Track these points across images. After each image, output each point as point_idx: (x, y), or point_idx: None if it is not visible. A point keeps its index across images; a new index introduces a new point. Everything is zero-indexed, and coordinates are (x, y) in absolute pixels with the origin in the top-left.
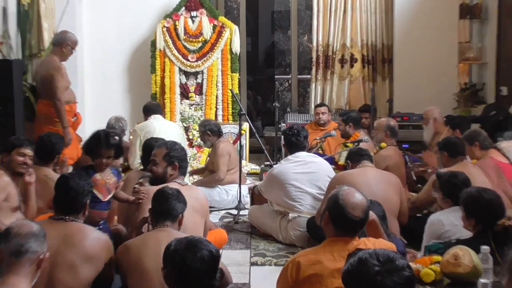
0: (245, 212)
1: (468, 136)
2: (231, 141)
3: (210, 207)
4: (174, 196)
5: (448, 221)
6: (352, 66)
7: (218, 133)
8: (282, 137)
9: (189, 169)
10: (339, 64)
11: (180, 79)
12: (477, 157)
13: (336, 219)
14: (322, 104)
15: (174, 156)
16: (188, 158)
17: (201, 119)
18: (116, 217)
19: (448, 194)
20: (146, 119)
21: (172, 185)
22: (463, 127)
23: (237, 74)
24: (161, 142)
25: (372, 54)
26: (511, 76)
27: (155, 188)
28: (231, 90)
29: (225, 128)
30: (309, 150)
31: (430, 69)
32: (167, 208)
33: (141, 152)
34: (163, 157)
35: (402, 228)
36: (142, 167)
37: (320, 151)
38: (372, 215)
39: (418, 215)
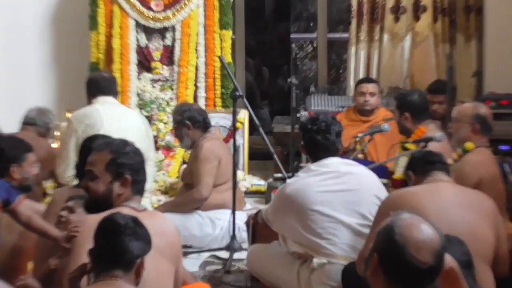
0: (242, 255)
1: None
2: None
3: (185, 246)
4: (128, 229)
5: None
6: (417, 18)
7: (204, 125)
8: (301, 133)
9: (152, 185)
10: (391, 15)
11: (137, 40)
12: None
13: (391, 266)
14: (369, 80)
15: (124, 164)
16: (149, 166)
17: (172, 103)
18: (30, 264)
19: None
20: (89, 102)
21: (123, 210)
22: None
23: (230, 33)
24: (102, 142)
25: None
26: None
27: (95, 217)
28: (220, 57)
29: (211, 119)
30: (344, 154)
31: None
32: (117, 249)
33: (76, 157)
34: (105, 167)
35: (500, 282)
36: (77, 182)
37: (362, 156)
38: (449, 260)
39: None
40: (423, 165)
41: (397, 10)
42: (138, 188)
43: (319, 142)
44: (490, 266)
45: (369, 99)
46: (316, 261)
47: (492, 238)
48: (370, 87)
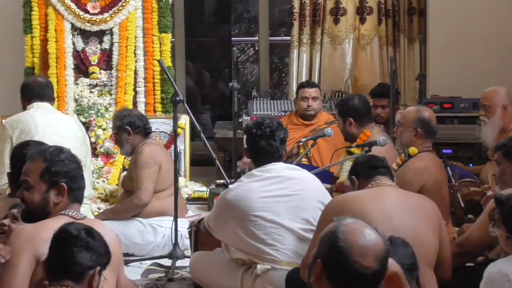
0: (185, 262)
1: None
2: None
3: (127, 254)
4: (79, 240)
5: None
6: (363, 20)
7: (144, 131)
8: (245, 138)
9: (91, 193)
10: (331, 17)
11: (73, 44)
12: None
13: (334, 272)
14: (311, 84)
15: (58, 172)
16: (87, 173)
17: (111, 109)
18: None
19: None
20: (24, 108)
21: (60, 219)
22: None
23: (170, 36)
24: (36, 151)
25: (393, 1)
26: None
27: (32, 226)
28: (159, 61)
29: (151, 125)
30: (287, 159)
31: (488, 24)
32: (66, 260)
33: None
34: (39, 176)
35: (443, 286)
36: (11, 191)
37: (306, 161)
38: (393, 265)
39: (469, 264)
40: (367, 170)
41: (336, 12)
42: (75, 195)
43: (262, 147)
44: (433, 270)
45: (312, 104)
46: (259, 267)
47: (435, 242)
48: (313, 92)
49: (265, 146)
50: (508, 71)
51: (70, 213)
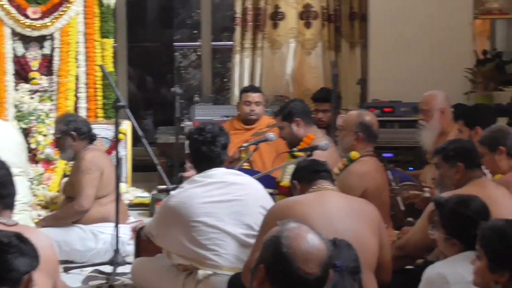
0: (126, 268)
1: (488, 137)
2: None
3: (66, 261)
4: (12, 247)
5: (455, 275)
6: (308, 25)
7: (89, 137)
8: (187, 143)
9: (31, 199)
10: (270, 22)
11: (14, 49)
12: (502, 170)
13: (278, 277)
14: (254, 89)
15: None
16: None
17: (51, 115)
18: None
19: (454, 232)
20: None
21: None
22: (486, 123)
23: (112, 41)
24: None
25: (335, 6)
26: None
27: None
28: (101, 67)
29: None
30: (229, 164)
31: (428, 29)
32: (1, 268)
33: None
34: None
35: None
36: None
37: (247, 166)
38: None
39: (408, 267)
40: (308, 174)
41: (275, 17)
42: (6, 202)
43: (204, 153)
44: (373, 273)
45: (255, 108)
46: (201, 272)
47: (376, 245)
48: (256, 97)
49: (206, 152)
50: (447, 76)
51: (1, 220)
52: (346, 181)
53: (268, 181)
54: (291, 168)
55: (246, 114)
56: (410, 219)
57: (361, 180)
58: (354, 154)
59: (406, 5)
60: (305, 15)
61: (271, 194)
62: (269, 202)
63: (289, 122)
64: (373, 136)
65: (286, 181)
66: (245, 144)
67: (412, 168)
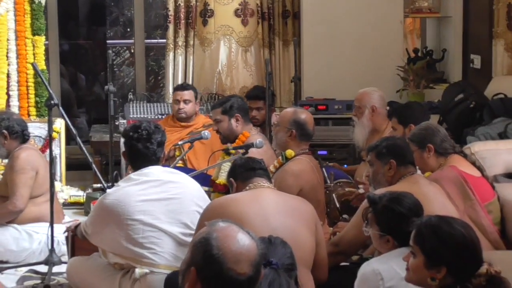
0: (62, 268)
1: (417, 135)
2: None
3: (1, 261)
4: None
5: (389, 272)
6: (245, 23)
7: (22, 137)
8: (122, 141)
9: None
10: (200, 19)
11: None
12: (431, 167)
13: (209, 280)
14: (183, 87)
15: None
16: None
17: None
18: None
19: (388, 229)
20: None
21: None
22: (419, 121)
23: (43, 38)
24: None
25: (268, 4)
26: (486, 38)
27: None
28: (33, 64)
29: None
30: (166, 162)
31: (359, 27)
32: None
33: None
34: None
35: (320, 287)
36: None
37: (181, 164)
38: None
39: (343, 264)
40: (245, 172)
41: (205, 14)
42: None
43: (140, 150)
44: (310, 270)
45: (184, 106)
46: (138, 271)
47: (312, 243)
48: (184, 95)
49: (142, 149)
50: (379, 73)
51: None
52: (282, 180)
53: (203, 179)
54: (227, 166)
55: (175, 112)
56: (345, 216)
57: (297, 179)
58: (289, 152)
59: (338, 4)
60: (242, 12)
61: (206, 192)
62: (205, 201)
63: (229, 117)
64: (306, 134)
65: (221, 178)
66: (180, 142)
67: (347, 165)
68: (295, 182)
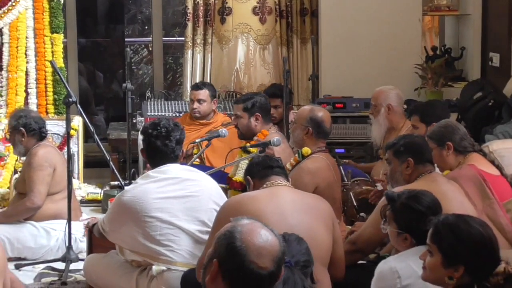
0: (79, 265)
1: (437, 133)
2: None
3: (18, 259)
4: None
5: (407, 270)
6: (263, 21)
7: (39, 135)
8: (141, 139)
9: None
10: (218, 17)
11: None
12: (450, 165)
13: (230, 272)
14: (198, 86)
15: None
16: None
17: (1, 110)
18: None
19: (406, 226)
20: None
21: None
22: (442, 118)
23: (62, 36)
24: None
25: (286, 2)
26: (505, 35)
27: None
28: (51, 62)
29: None
30: (184, 160)
31: (378, 25)
32: None
33: None
34: None
35: (337, 285)
36: None
37: (197, 162)
38: None
39: (361, 262)
40: (262, 170)
41: (223, 12)
42: None
43: (158, 148)
44: (327, 268)
45: (197, 106)
46: (155, 268)
47: (329, 240)
48: (198, 94)
49: (160, 147)
50: (397, 72)
51: None
52: (298, 178)
53: (221, 177)
54: (244, 163)
55: (191, 111)
56: (362, 214)
57: (313, 177)
58: (306, 150)
59: (356, 2)
60: (260, 10)
61: (223, 189)
62: (222, 198)
63: (249, 115)
64: (323, 132)
65: (239, 176)
66: (197, 140)
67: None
68: (311, 180)
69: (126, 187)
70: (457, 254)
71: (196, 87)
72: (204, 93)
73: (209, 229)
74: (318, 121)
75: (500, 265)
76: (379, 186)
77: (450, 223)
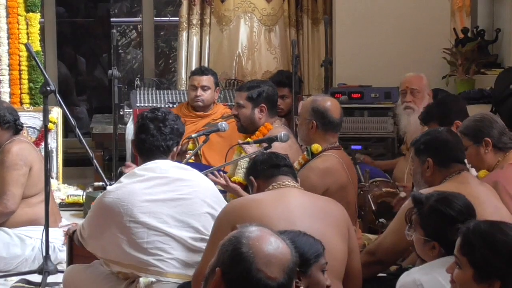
0: (58, 278)
1: (472, 128)
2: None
3: None
4: None
5: (433, 283)
6: None
7: (15, 128)
8: (130, 128)
9: None
10: None
11: None
12: (488, 164)
13: (235, 281)
14: (202, 71)
15: None
16: None
17: None
18: None
19: (434, 233)
20: None
21: None
22: (461, 114)
23: (38, 16)
24: None
25: None
26: None
27: None
28: (26, 45)
29: None
30: (177, 157)
31: (400, 3)
32: None
33: None
34: None
35: None
36: None
37: (193, 159)
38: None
39: (381, 275)
40: (267, 169)
41: None
42: None
43: (149, 132)
44: (341, 282)
45: (201, 93)
46: (142, 280)
47: (343, 250)
48: (202, 80)
49: (152, 130)
50: (422, 57)
51: None
52: (305, 179)
53: None
54: (245, 162)
55: (191, 100)
56: (382, 220)
57: (322, 178)
58: (315, 147)
59: None
60: None
61: (222, 191)
62: (219, 202)
63: (254, 105)
64: (330, 124)
65: (238, 176)
66: (193, 135)
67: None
68: (320, 181)
69: (108, 187)
70: (492, 267)
71: (199, 72)
72: (208, 79)
73: (203, 236)
74: (321, 111)
75: None
76: (402, 193)
77: (482, 231)
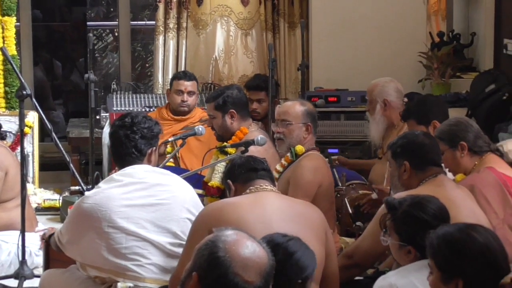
0: (35, 282)
1: (447, 132)
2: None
3: None
4: None
5: (409, 287)
6: (245, 3)
7: None
8: (109, 135)
9: None
10: None
11: None
12: (464, 168)
13: (212, 286)
14: (188, 76)
15: None
16: None
17: None
18: None
19: (409, 238)
20: None
21: None
22: (441, 115)
23: (14, 19)
24: None
25: None
26: None
27: None
28: (2, 49)
29: None
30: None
31: (377, 8)
32: None
33: None
34: None
35: None
36: None
37: (172, 163)
38: None
39: (357, 278)
40: (245, 173)
41: None
42: None
43: (120, 140)
44: (318, 286)
45: (187, 99)
46: (120, 285)
47: (321, 254)
48: (189, 85)
49: (121, 138)
50: (399, 61)
51: None
52: (300, 177)
53: (197, 181)
54: (221, 166)
55: (176, 105)
56: (359, 223)
57: (315, 175)
58: (299, 148)
59: None
60: None
61: (200, 195)
62: (198, 206)
63: (223, 113)
64: (316, 126)
65: (215, 180)
66: (170, 139)
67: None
68: (314, 178)
69: (86, 193)
70: (454, 267)
71: (184, 76)
72: (193, 85)
73: (181, 242)
74: (314, 115)
75: (507, 276)
76: (374, 195)
77: (444, 235)
